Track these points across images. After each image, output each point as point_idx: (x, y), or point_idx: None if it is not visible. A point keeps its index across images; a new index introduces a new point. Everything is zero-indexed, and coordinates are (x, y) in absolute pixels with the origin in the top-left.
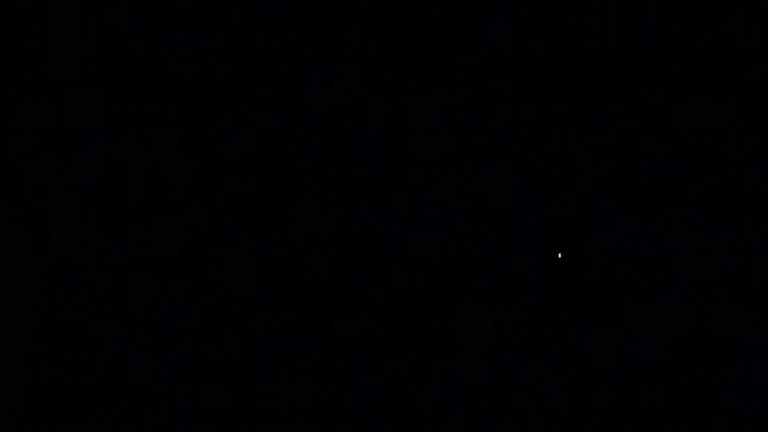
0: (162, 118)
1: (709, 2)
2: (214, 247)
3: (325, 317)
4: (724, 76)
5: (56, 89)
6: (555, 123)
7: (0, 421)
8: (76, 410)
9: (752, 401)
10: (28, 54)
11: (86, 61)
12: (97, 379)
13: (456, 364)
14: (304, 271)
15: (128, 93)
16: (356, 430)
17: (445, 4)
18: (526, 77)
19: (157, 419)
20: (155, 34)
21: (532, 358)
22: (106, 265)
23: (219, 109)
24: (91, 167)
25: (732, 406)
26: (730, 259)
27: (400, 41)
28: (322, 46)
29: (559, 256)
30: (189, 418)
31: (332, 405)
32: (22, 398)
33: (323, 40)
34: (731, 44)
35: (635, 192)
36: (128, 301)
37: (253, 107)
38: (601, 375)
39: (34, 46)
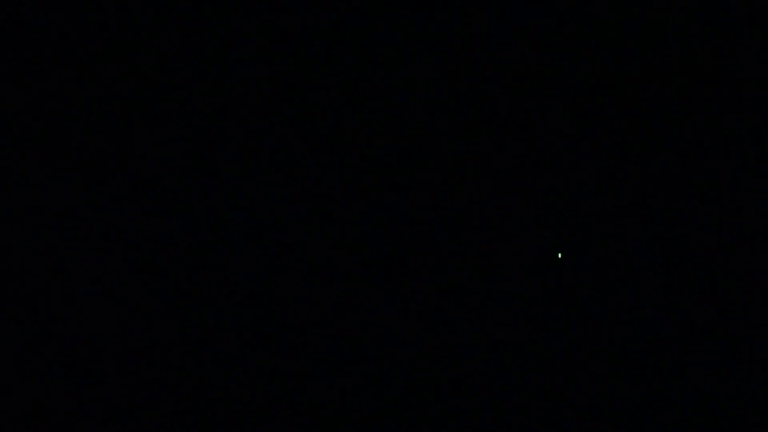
0: (161, 118)
1: (709, 2)
2: (212, 247)
3: (325, 318)
4: (723, 77)
5: (55, 89)
6: (555, 123)
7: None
8: (76, 410)
9: (752, 401)
10: (27, 54)
11: (85, 61)
12: (97, 379)
13: (455, 365)
14: (303, 271)
15: (128, 93)
16: (356, 430)
17: (445, 4)
18: (526, 77)
19: (157, 419)
20: (155, 34)
21: (531, 357)
22: (106, 265)
23: (219, 109)
24: (90, 167)
25: (731, 406)
26: (730, 260)
27: (399, 41)
28: (321, 46)
29: (559, 256)
30: (188, 418)
31: (331, 405)
32: (21, 398)
33: (323, 39)
34: (731, 45)
35: (635, 192)
36: (127, 301)
37: (252, 107)
38: (600, 375)
39: (34, 46)
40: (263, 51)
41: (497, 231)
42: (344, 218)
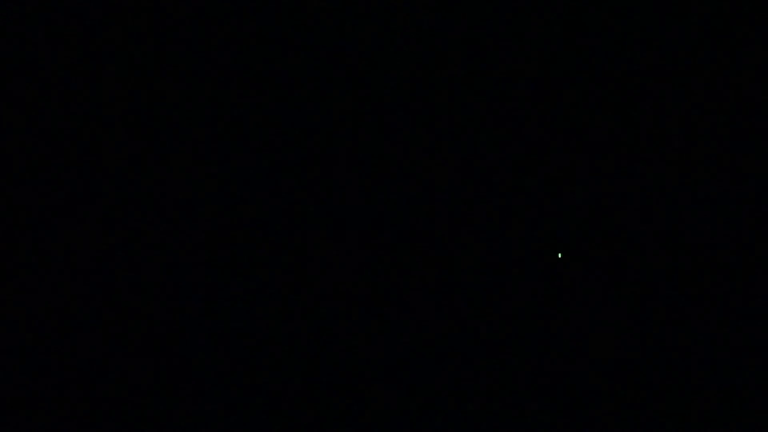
0: (162, 117)
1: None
2: (214, 247)
3: (325, 318)
4: (724, 76)
5: (57, 89)
6: (555, 123)
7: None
8: (75, 410)
9: (750, 401)
10: (27, 54)
11: (86, 61)
12: (97, 379)
13: (455, 365)
14: (303, 270)
15: (128, 93)
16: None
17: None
18: (526, 77)
19: (157, 419)
20: (155, 34)
21: (532, 358)
22: (107, 265)
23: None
24: (90, 168)
25: (730, 406)
26: (730, 260)
27: (398, 41)
28: (319, 46)
29: (559, 256)
30: (188, 418)
31: (331, 405)
32: (22, 398)
33: (321, 39)
34: (730, 44)
35: (635, 191)
36: (127, 300)
37: (251, 106)
38: (600, 375)
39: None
40: (263, 51)
41: (497, 231)
42: (344, 218)
